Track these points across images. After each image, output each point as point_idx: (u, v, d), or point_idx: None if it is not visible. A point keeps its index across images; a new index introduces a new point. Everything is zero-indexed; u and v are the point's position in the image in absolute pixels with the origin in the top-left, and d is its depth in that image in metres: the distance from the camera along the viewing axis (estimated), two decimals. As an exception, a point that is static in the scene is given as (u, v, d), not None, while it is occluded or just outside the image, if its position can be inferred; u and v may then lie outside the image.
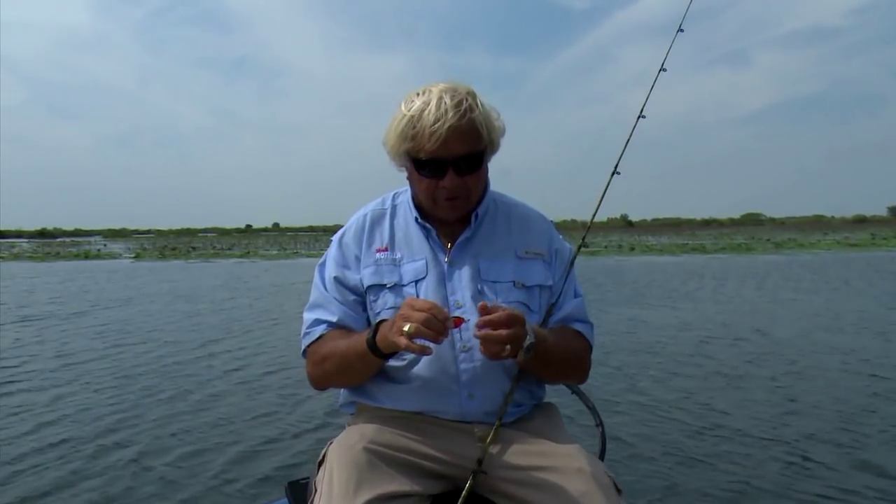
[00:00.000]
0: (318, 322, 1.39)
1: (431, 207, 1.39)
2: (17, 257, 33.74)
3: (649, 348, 6.49)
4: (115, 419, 4.29)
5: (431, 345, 1.20)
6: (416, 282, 1.36)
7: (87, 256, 33.52)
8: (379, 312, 1.36)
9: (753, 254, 26.15)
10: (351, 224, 1.47)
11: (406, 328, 1.15)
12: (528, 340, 1.21)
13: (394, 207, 1.47)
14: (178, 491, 3.11)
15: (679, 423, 4.02)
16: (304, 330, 1.42)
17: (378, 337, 1.24)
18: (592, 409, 1.59)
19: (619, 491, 1.21)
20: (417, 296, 1.34)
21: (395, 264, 1.39)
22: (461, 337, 1.32)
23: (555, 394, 1.54)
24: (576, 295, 1.46)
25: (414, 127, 1.29)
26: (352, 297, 1.40)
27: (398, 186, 1.50)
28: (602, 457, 1.48)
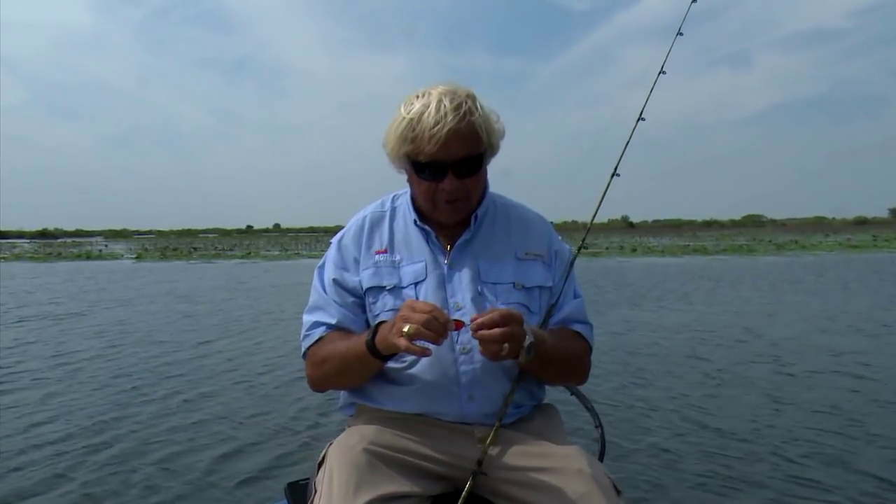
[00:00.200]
0: (317, 324, 1.39)
1: (430, 210, 1.39)
2: (18, 258, 33.78)
3: (649, 350, 6.48)
4: (113, 419, 4.28)
5: (431, 347, 1.20)
6: (416, 284, 1.36)
7: (88, 257, 33.55)
8: (378, 314, 1.36)
9: (755, 255, 26.11)
10: (350, 226, 1.48)
11: (406, 329, 1.15)
12: (528, 340, 1.21)
13: (393, 209, 1.48)
14: (176, 492, 3.10)
15: (679, 425, 4.02)
16: (303, 332, 1.42)
17: (377, 338, 1.24)
18: (592, 411, 1.59)
19: (618, 492, 1.22)
20: (417, 298, 1.34)
21: (395, 266, 1.39)
22: (460, 339, 1.32)
23: (554, 395, 1.55)
24: (575, 296, 1.47)
25: (413, 130, 1.29)
26: (351, 299, 1.40)
27: (399, 187, 1.50)
28: (601, 458, 1.49)
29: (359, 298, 1.40)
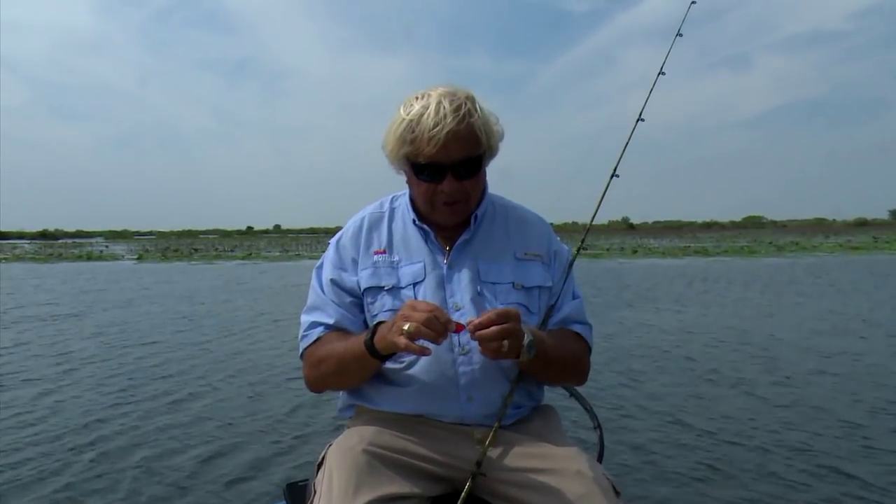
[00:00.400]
0: (315, 324, 1.39)
1: (429, 212, 1.39)
2: (19, 258, 33.78)
3: (649, 352, 6.48)
4: (110, 420, 4.28)
5: (431, 346, 1.20)
6: (415, 284, 1.36)
7: (89, 258, 33.55)
8: (376, 315, 1.36)
9: (756, 257, 26.10)
10: (348, 227, 1.48)
11: (406, 327, 1.15)
12: (527, 338, 1.21)
13: (392, 210, 1.48)
14: (175, 493, 3.10)
15: (678, 427, 4.01)
16: (301, 333, 1.42)
17: (376, 338, 1.24)
18: (591, 412, 1.59)
19: (617, 493, 1.22)
20: (416, 298, 1.34)
21: (393, 267, 1.39)
22: (459, 340, 1.32)
23: (553, 396, 1.54)
24: (574, 296, 1.47)
25: (413, 131, 1.29)
26: (349, 300, 1.40)
27: (398, 188, 1.50)
28: (600, 459, 1.49)
29: (357, 299, 1.40)
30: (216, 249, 40.82)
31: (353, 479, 1.17)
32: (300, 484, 1.52)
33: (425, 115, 1.28)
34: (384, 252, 1.41)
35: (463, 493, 1.21)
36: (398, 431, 1.31)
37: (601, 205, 1.60)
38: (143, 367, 6.01)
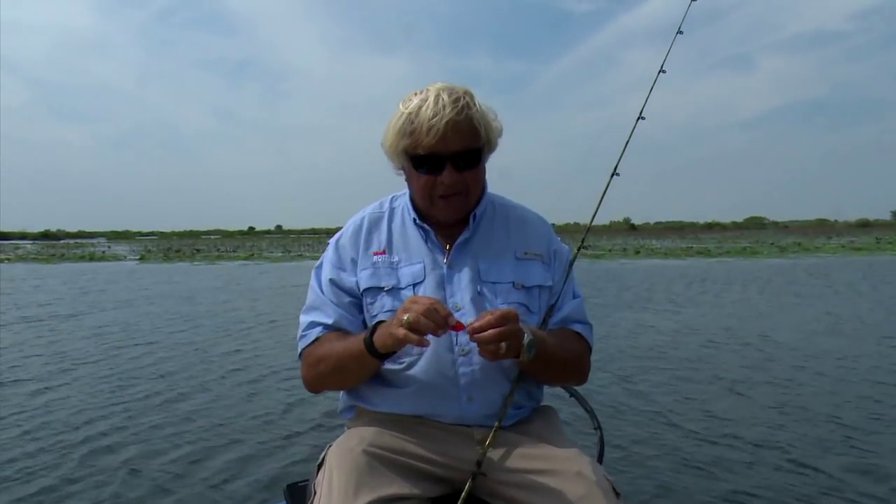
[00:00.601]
0: (313, 324, 1.39)
1: (428, 207, 1.39)
2: (22, 259, 33.85)
3: (650, 352, 6.47)
4: (109, 422, 4.27)
5: (431, 346, 1.22)
6: (414, 285, 1.36)
7: (91, 258, 33.60)
8: (376, 315, 1.36)
9: (758, 257, 26.07)
10: (348, 227, 1.48)
11: (406, 318, 1.15)
12: (527, 338, 1.21)
13: (391, 210, 1.47)
14: (174, 494, 3.10)
15: (678, 428, 4.01)
16: (300, 333, 1.42)
17: (376, 336, 1.24)
18: (591, 413, 1.59)
19: (617, 494, 1.22)
20: None
21: (393, 267, 1.39)
22: (459, 340, 1.32)
23: (553, 397, 1.54)
24: (574, 296, 1.47)
25: (412, 122, 1.30)
26: (347, 300, 1.40)
27: (399, 189, 1.50)
28: (600, 460, 1.49)
29: (356, 299, 1.40)
30: (218, 250, 40.86)
31: (353, 480, 1.17)
32: (300, 484, 1.52)
33: (424, 107, 1.29)
34: (384, 252, 1.41)
35: (463, 494, 1.21)
36: (398, 432, 1.31)
37: (602, 204, 1.60)
38: (142, 368, 6.01)
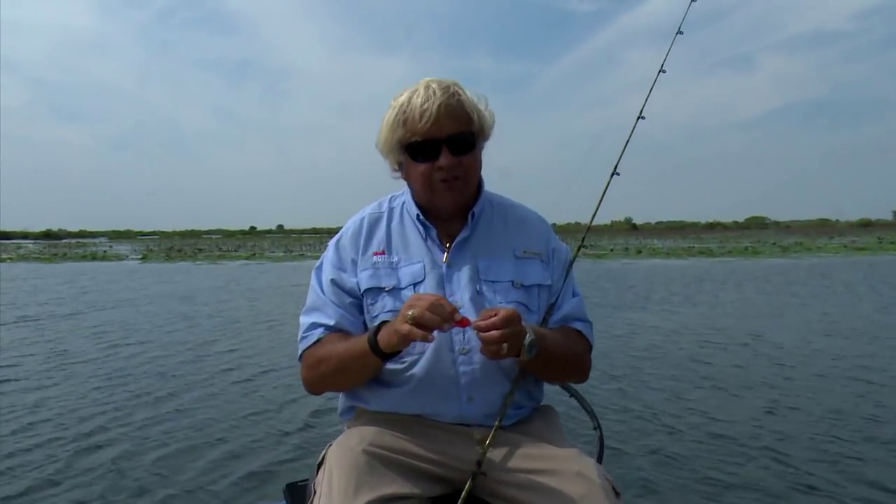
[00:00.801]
0: (315, 325, 1.39)
1: (429, 196, 1.39)
2: (24, 258, 33.92)
3: (651, 353, 6.47)
4: (107, 421, 4.27)
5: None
6: (414, 285, 1.36)
7: (93, 258, 33.67)
8: (377, 315, 1.35)
9: (760, 257, 26.04)
10: (348, 227, 1.47)
11: (410, 313, 1.16)
12: (529, 337, 1.22)
13: (390, 210, 1.48)
14: (174, 494, 3.09)
15: (678, 428, 4.00)
16: (300, 334, 1.41)
17: (380, 335, 1.23)
18: (590, 413, 1.59)
19: (617, 494, 1.21)
20: None
21: (393, 267, 1.39)
22: (462, 338, 1.32)
23: (553, 397, 1.54)
24: (574, 294, 1.47)
25: (404, 112, 1.32)
26: (349, 300, 1.39)
27: (398, 188, 1.50)
28: (600, 460, 1.48)
29: (357, 300, 1.39)
30: (220, 249, 40.92)
31: (353, 480, 1.17)
32: (300, 484, 1.51)
33: (415, 96, 1.32)
34: (383, 253, 1.41)
35: (463, 493, 1.21)
36: (398, 432, 1.30)
37: (602, 203, 1.60)
38: (141, 367, 6.01)
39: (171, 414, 4.44)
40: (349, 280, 1.40)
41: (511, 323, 1.18)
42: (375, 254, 1.41)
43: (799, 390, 4.88)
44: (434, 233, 1.41)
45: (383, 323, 1.26)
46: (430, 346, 1.31)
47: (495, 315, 1.19)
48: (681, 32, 1.81)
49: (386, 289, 1.36)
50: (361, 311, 1.39)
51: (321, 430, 4.02)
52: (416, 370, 1.32)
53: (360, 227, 1.45)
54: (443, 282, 1.36)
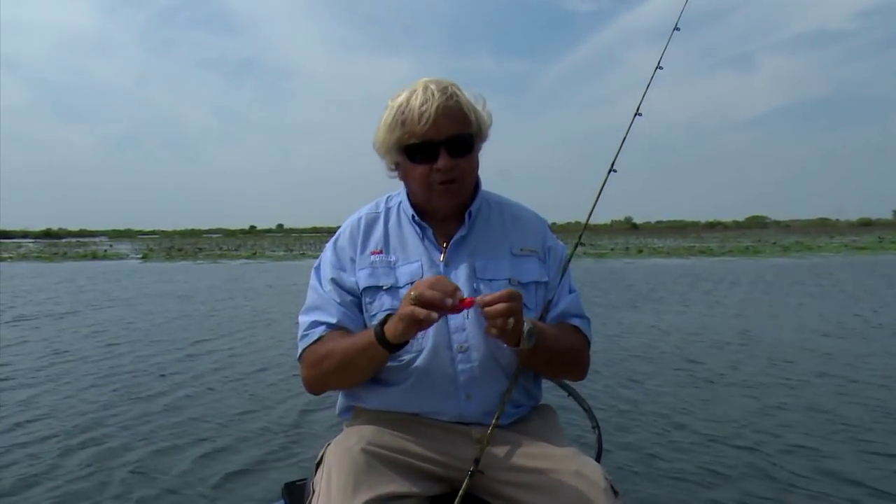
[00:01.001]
0: (316, 324, 1.38)
1: (427, 198, 1.39)
2: (24, 257, 33.95)
3: (651, 352, 6.46)
4: (103, 420, 4.25)
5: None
6: (412, 283, 1.35)
7: (94, 257, 33.68)
8: (375, 314, 1.36)
9: (761, 257, 26.01)
10: (345, 227, 1.48)
11: (413, 294, 1.16)
12: (527, 326, 1.22)
13: (387, 210, 1.48)
14: (171, 493, 3.08)
15: (676, 427, 3.99)
16: (301, 333, 1.41)
17: (387, 325, 1.23)
18: (589, 412, 1.59)
19: (615, 493, 1.21)
20: None
21: (391, 266, 1.39)
22: (457, 338, 1.32)
23: (552, 396, 1.54)
24: (571, 291, 1.47)
25: (403, 113, 1.32)
26: (349, 299, 1.40)
27: (396, 188, 1.50)
28: (599, 459, 1.48)
29: (356, 298, 1.39)
30: (220, 249, 40.92)
31: (351, 479, 1.17)
32: (298, 483, 1.52)
33: (413, 97, 1.31)
34: (381, 252, 1.41)
35: (461, 491, 1.21)
36: (397, 431, 1.30)
37: (599, 200, 1.60)
38: (140, 366, 6.00)
39: (169, 413, 4.43)
40: (348, 279, 1.40)
41: (513, 298, 1.18)
42: (373, 253, 1.41)
43: (799, 390, 4.87)
44: (430, 232, 1.41)
45: (389, 315, 1.25)
46: (429, 345, 1.31)
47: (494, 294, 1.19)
48: (678, 29, 1.81)
49: (384, 287, 1.37)
50: (362, 311, 1.39)
51: (319, 429, 4.02)
52: (415, 368, 1.32)
53: (357, 227, 1.46)
54: (440, 280, 1.36)
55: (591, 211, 1.60)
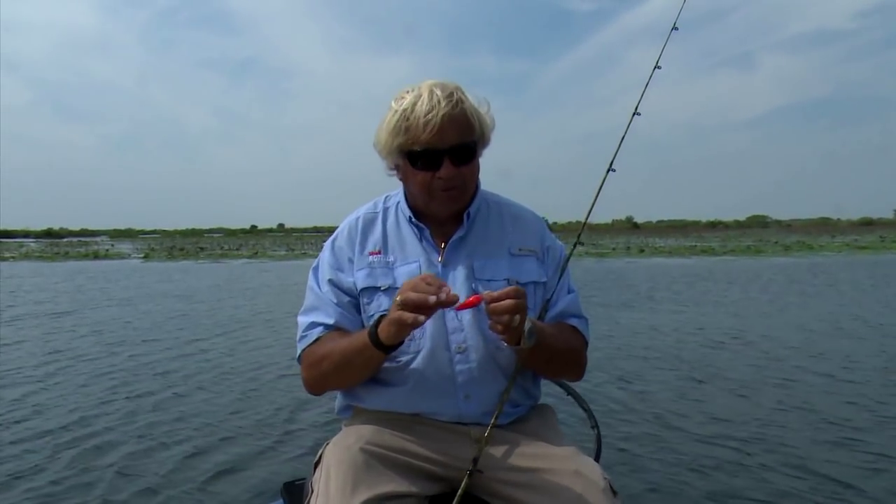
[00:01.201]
0: (314, 325, 1.39)
1: (427, 203, 1.38)
2: (26, 256, 33.94)
3: (651, 352, 6.45)
4: (102, 420, 4.24)
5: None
6: None
7: (96, 256, 33.66)
8: (373, 315, 1.35)
9: (763, 256, 25.95)
10: (343, 227, 1.48)
11: (398, 298, 1.16)
12: (528, 325, 1.21)
13: (385, 210, 1.48)
14: (170, 493, 3.07)
15: (676, 427, 3.99)
16: (299, 334, 1.41)
17: (380, 327, 1.23)
18: (588, 411, 1.59)
19: (614, 493, 1.22)
20: None
21: (389, 267, 1.39)
22: (456, 338, 1.32)
23: (551, 396, 1.54)
24: (569, 291, 1.47)
25: (407, 119, 1.30)
26: (347, 300, 1.40)
27: (398, 188, 1.50)
28: (598, 459, 1.48)
29: (355, 299, 1.40)
30: (222, 248, 40.88)
31: (350, 478, 1.17)
32: (297, 483, 1.52)
33: (418, 103, 1.29)
34: (379, 253, 1.41)
35: (459, 490, 1.21)
36: (396, 430, 1.31)
37: (599, 200, 1.60)
38: (139, 366, 6.00)
39: (167, 412, 4.42)
40: (346, 280, 1.40)
41: (521, 296, 1.18)
42: (371, 254, 1.41)
43: (803, 391, 4.86)
44: (428, 233, 1.41)
45: (382, 316, 1.25)
46: (427, 346, 1.31)
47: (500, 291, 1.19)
48: (676, 28, 1.80)
49: (382, 288, 1.37)
50: (360, 311, 1.39)
51: (318, 428, 4.01)
52: (413, 369, 1.32)
53: (355, 227, 1.45)
54: (438, 281, 1.36)
55: (590, 210, 1.60)
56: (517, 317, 1.17)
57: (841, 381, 5.10)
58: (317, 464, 1.30)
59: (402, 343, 1.25)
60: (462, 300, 1.19)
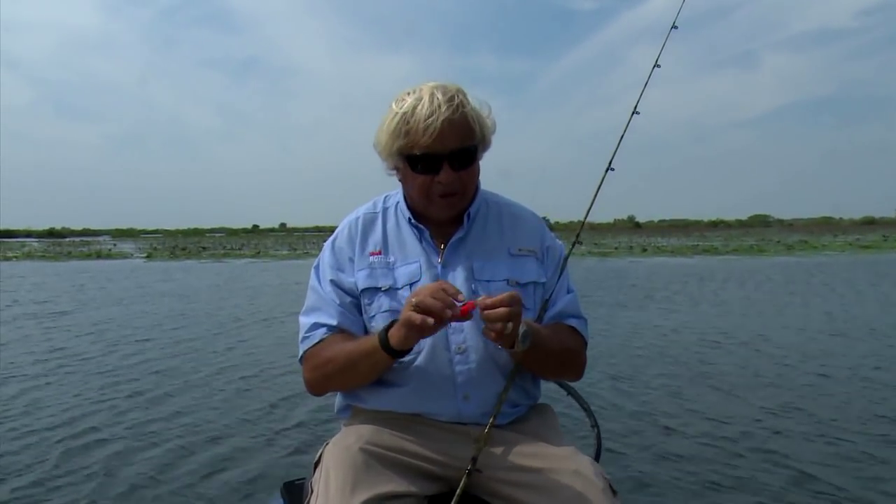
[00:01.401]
0: (317, 325, 1.38)
1: (426, 206, 1.38)
2: (29, 256, 33.99)
3: (651, 351, 6.45)
4: (101, 420, 4.25)
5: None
6: (411, 285, 1.36)
7: (98, 256, 33.72)
8: (374, 315, 1.36)
9: (765, 255, 25.91)
10: (343, 228, 1.47)
11: (414, 300, 1.16)
12: (522, 328, 1.21)
13: (385, 210, 1.47)
14: (169, 493, 3.08)
15: (676, 427, 3.99)
16: (302, 334, 1.41)
17: (391, 332, 1.23)
18: (588, 411, 1.59)
19: (614, 492, 1.21)
20: None
21: (389, 267, 1.39)
22: (455, 339, 1.32)
23: (550, 395, 1.54)
24: (568, 291, 1.46)
25: (407, 122, 1.29)
26: (349, 300, 1.39)
27: (394, 187, 1.49)
28: (597, 458, 1.48)
29: (356, 299, 1.39)
30: (224, 248, 40.92)
31: (350, 478, 1.17)
32: (297, 482, 1.51)
33: (419, 107, 1.28)
34: (380, 253, 1.41)
35: (458, 490, 1.21)
36: (395, 430, 1.30)
37: (599, 198, 1.60)
38: (139, 365, 6.01)
39: (167, 412, 4.42)
40: (347, 280, 1.40)
41: (514, 302, 1.18)
42: (372, 254, 1.41)
43: (799, 390, 4.86)
44: (428, 234, 1.40)
45: (393, 322, 1.25)
46: (427, 346, 1.31)
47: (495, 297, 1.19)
48: (675, 27, 1.79)
49: (382, 289, 1.36)
50: (361, 311, 1.39)
51: (318, 428, 4.01)
52: (413, 369, 1.32)
53: (355, 227, 1.45)
54: (438, 282, 1.36)
55: (589, 209, 1.59)
56: (510, 324, 1.17)
57: (841, 382, 5.08)
58: (316, 464, 1.30)
59: (410, 350, 1.25)
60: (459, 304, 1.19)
